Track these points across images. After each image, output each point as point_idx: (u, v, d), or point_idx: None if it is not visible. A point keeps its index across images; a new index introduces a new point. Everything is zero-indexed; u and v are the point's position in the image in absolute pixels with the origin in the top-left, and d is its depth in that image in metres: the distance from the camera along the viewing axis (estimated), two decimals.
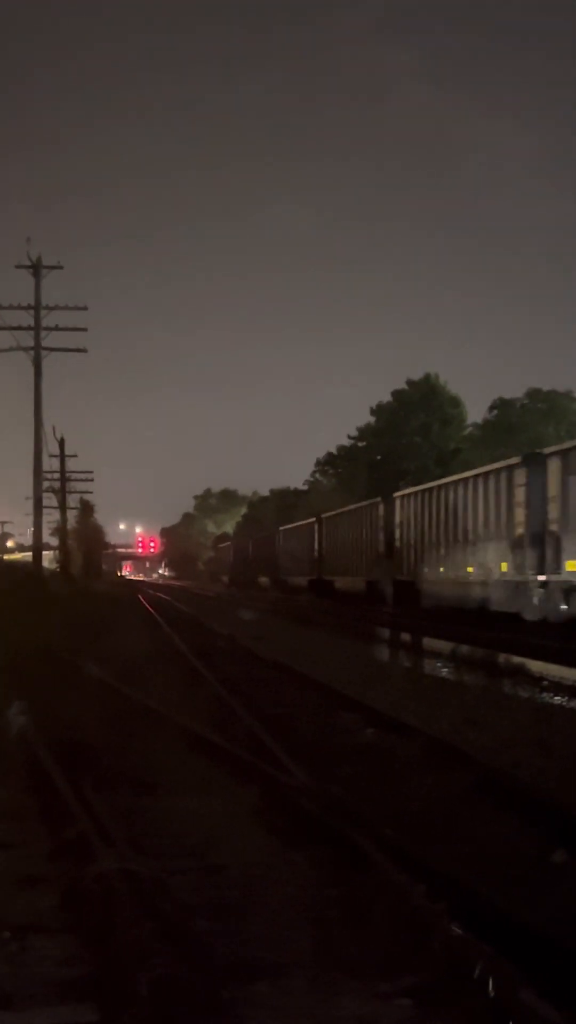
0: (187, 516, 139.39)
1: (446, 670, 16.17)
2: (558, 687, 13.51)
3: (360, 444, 72.02)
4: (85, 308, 36.62)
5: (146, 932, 4.10)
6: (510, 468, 25.04)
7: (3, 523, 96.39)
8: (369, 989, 3.85)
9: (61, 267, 36.01)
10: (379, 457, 67.37)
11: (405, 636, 23.31)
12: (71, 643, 17.77)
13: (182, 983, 3.66)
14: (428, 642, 20.76)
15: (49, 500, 54.68)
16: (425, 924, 4.22)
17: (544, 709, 11.31)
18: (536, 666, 15.15)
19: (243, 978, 3.92)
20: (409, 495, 34.72)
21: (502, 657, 16.24)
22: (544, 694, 13.09)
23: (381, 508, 37.20)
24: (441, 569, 29.94)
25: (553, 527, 21.90)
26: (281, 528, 61.94)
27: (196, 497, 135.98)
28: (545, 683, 14.00)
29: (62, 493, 57.76)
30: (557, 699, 12.59)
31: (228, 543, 69.83)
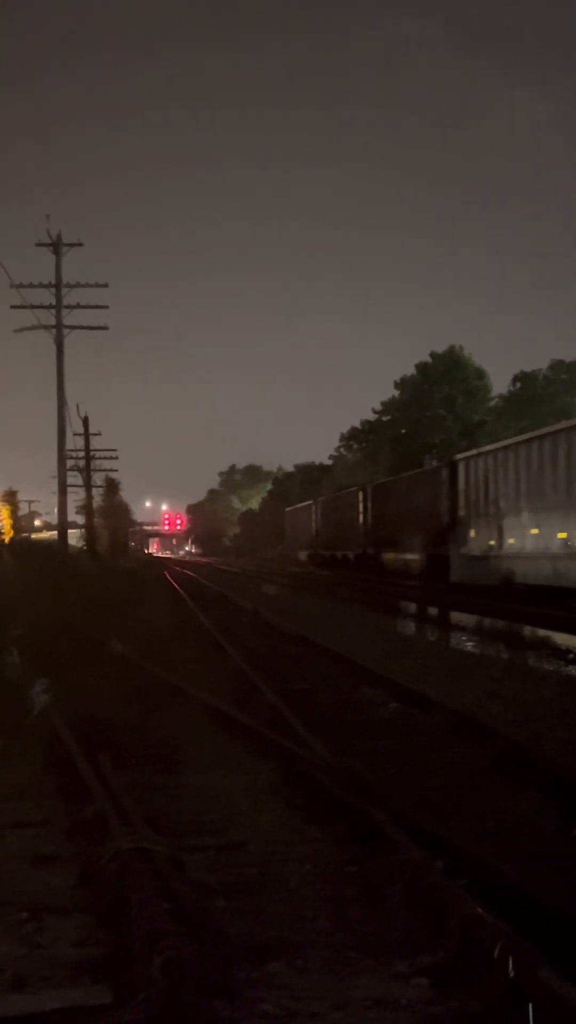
0: (212, 492, 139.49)
1: None
2: None
3: (385, 418, 71.76)
4: (106, 285, 36.55)
5: (161, 912, 4.05)
6: None
7: (30, 502, 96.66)
8: (385, 969, 3.79)
9: (81, 244, 35.91)
10: (404, 431, 67.11)
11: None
12: (96, 620, 17.78)
13: (196, 964, 3.61)
14: None
15: (75, 479, 54.83)
16: (443, 902, 4.15)
17: None
18: None
19: (258, 958, 3.87)
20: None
21: None
22: None
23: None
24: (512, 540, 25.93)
25: None
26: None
27: (221, 473, 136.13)
28: None
29: (87, 471, 57.79)
30: None
31: (309, 502, 56.07)
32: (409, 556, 35.18)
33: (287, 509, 65.51)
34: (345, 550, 45.05)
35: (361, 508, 42.57)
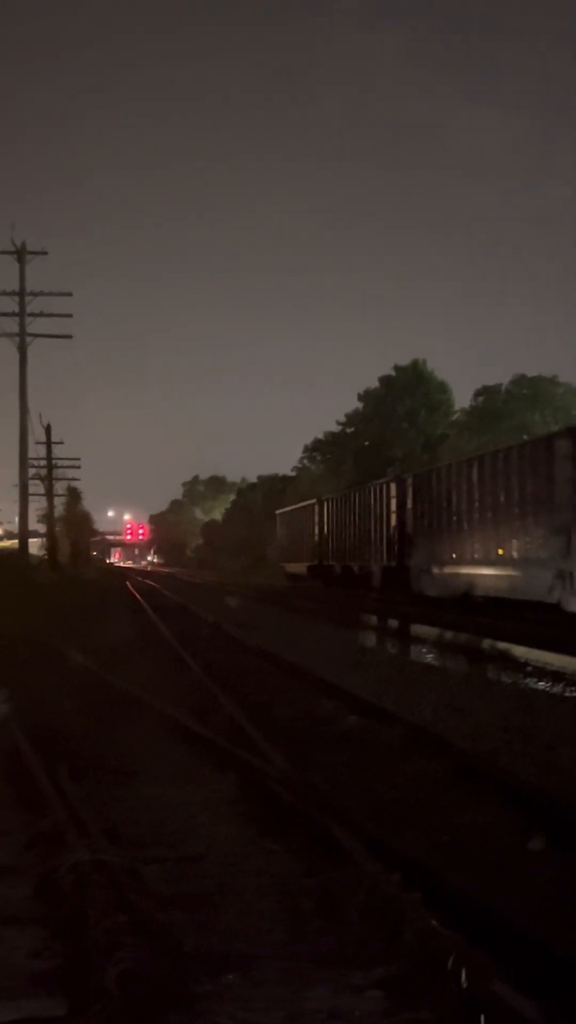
0: (175, 503, 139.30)
1: None
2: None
3: (348, 430, 72.00)
4: (70, 294, 36.65)
5: (118, 924, 4.05)
6: None
7: None
8: (341, 980, 3.81)
9: (46, 253, 35.94)
10: (367, 443, 67.34)
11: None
12: (56, 631, 17.72)
13: (152, 976, 3.62)
14: None
15: (36, 487, 54.62)
16: (399, 914, 4.18)
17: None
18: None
19: (214, 970, 3.88)
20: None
21: None
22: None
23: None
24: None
25: None
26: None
27: (184, 484, 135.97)
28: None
29: (48, 480, 57.62)
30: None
31: (311, 501, 46.22)
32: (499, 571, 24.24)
33: (280, 512, 56.79)
34: (364, 561, 36.02)
35: (394, 507, 32.52)
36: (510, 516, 23.26)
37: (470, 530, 26.00)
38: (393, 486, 33.29)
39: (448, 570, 27.70)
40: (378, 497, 34.65)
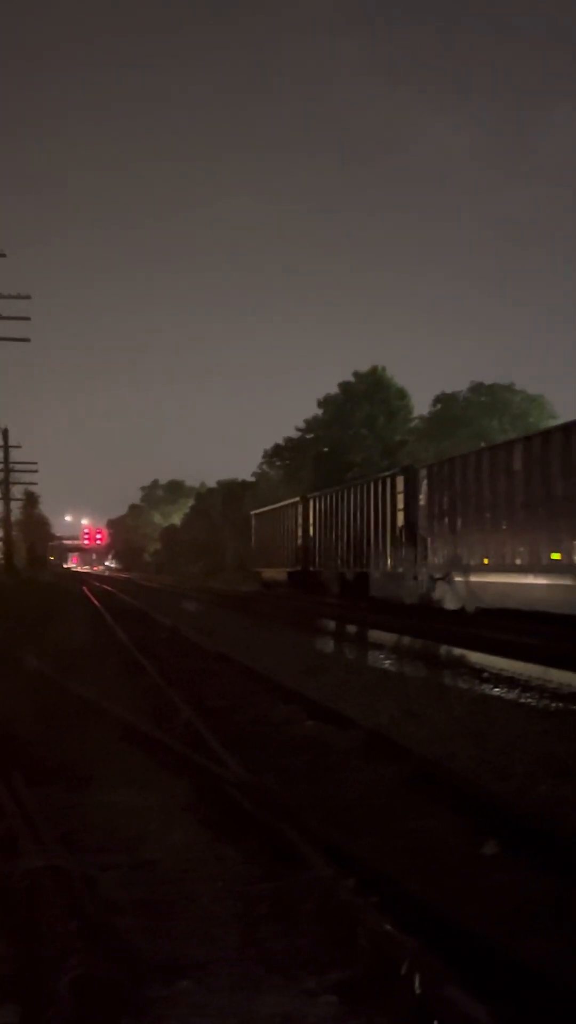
0: (134, 508, 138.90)
1: None
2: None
3: (308, 436, 72.11)
4: (28, 297, 36.55)
5: (72, 930, 4.04)
6: None
7: None
8: (295, 986, 3.82)
9: (4, 255, 35.71)
10: (326, 449, 67.48)
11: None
12: (11, 635, 17.60)
13: (105, 982, 3.61)
14: None
15: None
16: (354, 919, 4.19)
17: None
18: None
19: (168, 976, 3.87)
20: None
21: None
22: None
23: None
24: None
25: None
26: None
27: (143, 488, 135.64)
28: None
29: (5, 484, 57.32)
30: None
31: (294, 500, 41.72)
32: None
33: (255, 512, 51.52)
34: (361, 566, 32.26)
35: (401, 503, 28.41)
36: (570, 511, 19.12)
37: (510, 530, 21.71)
38: (400, 479, 28.73)
39: (477, 578, 23.35)
40: (380, 492, 30.23)
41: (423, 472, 27.55)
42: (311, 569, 38.54)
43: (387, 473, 31.25)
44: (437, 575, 25.83)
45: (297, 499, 41.66)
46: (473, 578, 23.61)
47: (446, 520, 25.43)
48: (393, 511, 29.05)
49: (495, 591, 22.36)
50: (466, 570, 24.02)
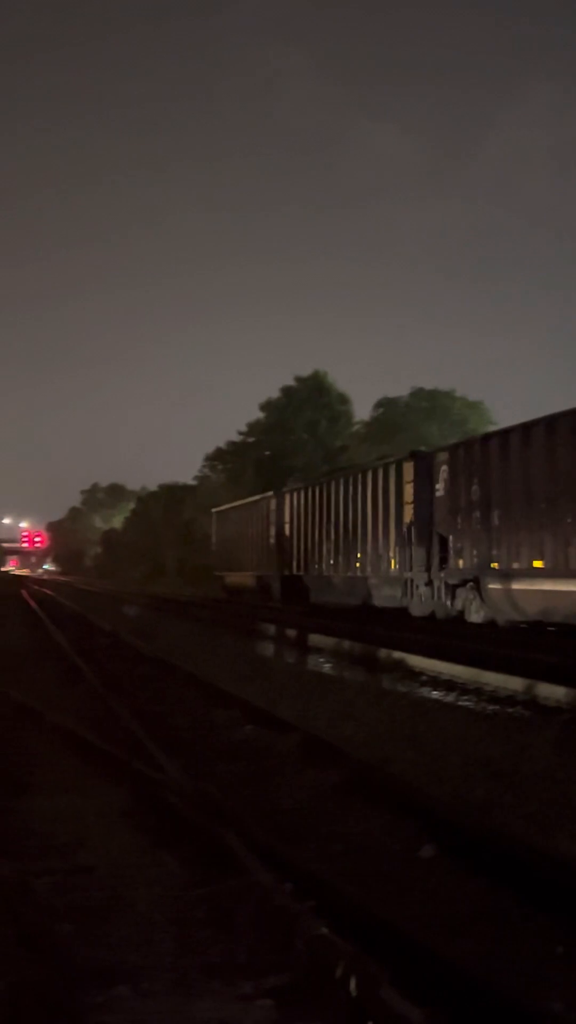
0: (74, 510, 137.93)
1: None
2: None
3: (249, 440, 72.08)
4: None
5: (6, 936, 4.02)
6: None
7: None
8: (231, 991, 3.82)
9: None
10: (267, 453, 67.52)
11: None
12: None
13: (39, 989, 3.59)
14: None
15: None
16: (290, 924, 4.21)
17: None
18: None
19: (103, 982, 3.85)
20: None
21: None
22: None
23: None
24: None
25: None
26: None
27: (83, 492, 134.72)
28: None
29: None
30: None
31: (268, 494, 37.95)
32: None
33: (217, 510, 46.93)
34: (353, 571, 28.47)
35: (410, 495, 24.45)
36: None
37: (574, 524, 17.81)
38: (408, 467, 24.47)
39: (522, 586, 19.38)
40: (380, 483, 26.17)
41: (442, 456, 23.09)
42: (287, 574, 34.06)
43: (390, 459, 26.61)
44: (454, 581, 22.27)
45: (270, 494, 37.17)
46: (516, 585, 19.56)
47: (476, 514, 21.19)
48: (399, 505, 24.97)
49: (549, 602, 18.47)
50: (506, 575, 19.85)
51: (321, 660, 17.15)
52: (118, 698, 10.99)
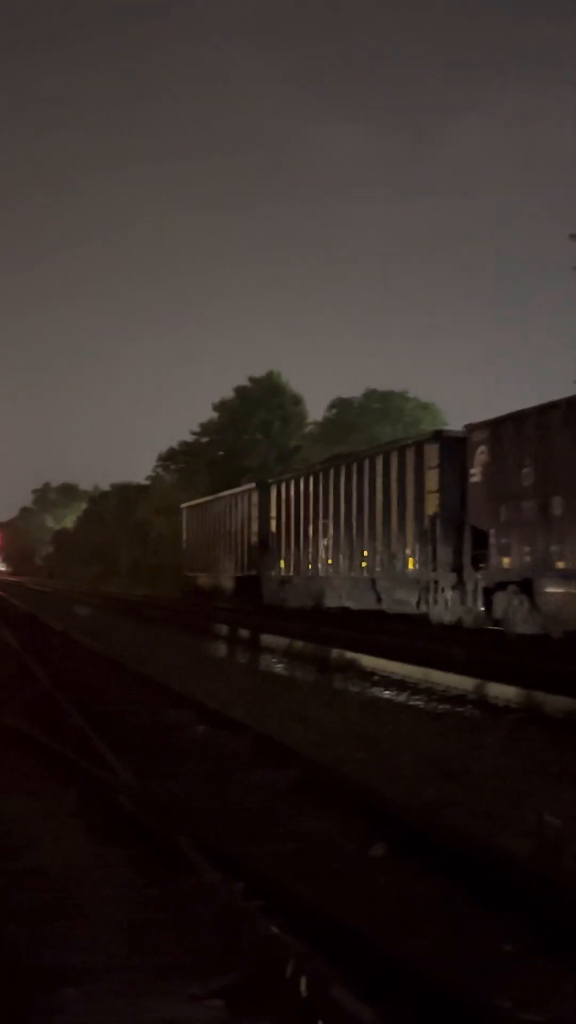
0: (25, 510, 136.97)
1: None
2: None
3: (203, 440, 71.96)
4: None
5: None
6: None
7: None
8: (180, 991, 3.80)
9: None
10: (221, 453, 67.43)
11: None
12: None
13: None
14: None
15: None
16: (241, 923, 4.20)
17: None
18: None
19: (51, 984, 3.82)
20: None
21: None
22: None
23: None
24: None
25: None
26: None
27: (34, 491, 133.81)
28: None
29: None
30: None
31: (248, 487, 34.72)
32: None
33: (188, 505, 43.57)
34: (362, 572, 24.80)
35: (435, 483, 21.18)
36: None
37: None
38: (432, 450, 21.17)
39: None
40: (395, 470, 22.79)
41: (480, 434, 19.59)
42: (272, 575, 30.63)
43: (406, 441, 23.18)
44: (493, 583, 18.90)
45: (252, 485, 33.84)
46: None
47: (529, 502, 17.98)
48: (419, 494, 21.65)
49: None
50: (569, 578, 16.99)
51: (272, 659, 17.14)
52: (69, 698, 10.92)
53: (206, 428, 71.76)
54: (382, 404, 60.81)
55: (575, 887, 4.88)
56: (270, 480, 32.40)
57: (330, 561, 26.56)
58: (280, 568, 29.95)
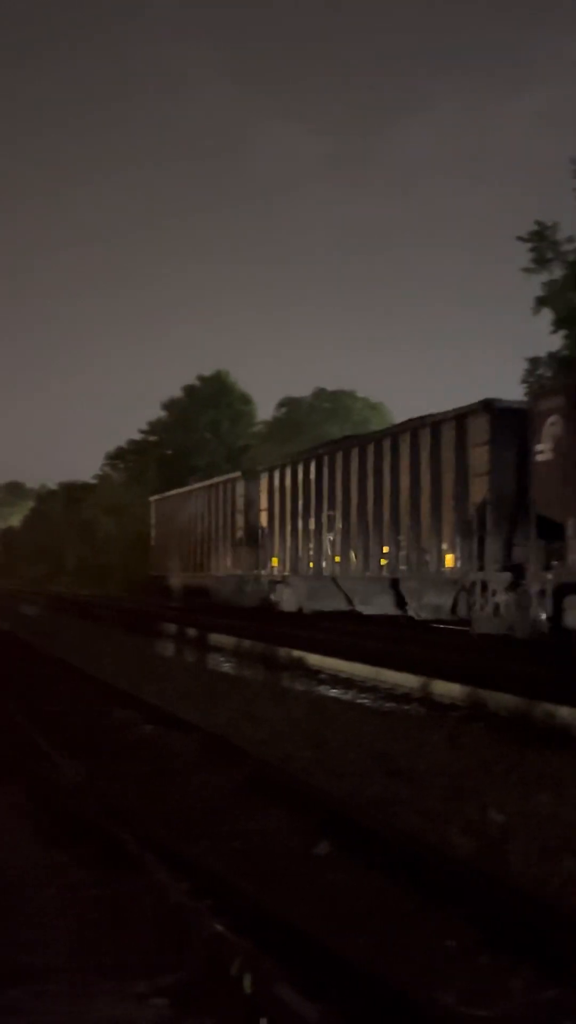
0: None
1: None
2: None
3: (151, 439, 71.75)
4: None
5: None
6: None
7: None
8: (126, 990, 3.80)
9: None
10: (169, 452, 67.28)
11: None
12: None
13: None
14: None
15: None
16: (187, 923, 4.21)
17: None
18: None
19: None
20: None
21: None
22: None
23: None
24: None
25: None
26: None
27: None
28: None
29: None
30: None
31: (234, 474, 31.56)
32: None
33: (156, 498, 40.34)
34: (382, 570, 21.35)
35: (486, 464, 17.65)
36: None
37: None
38: (481, 423, 17.66)
39: None
40: (431, 449, 19.04)
41: (549, 403, 15.97)
42: (263, 574, 27.17)
43: (444, 415, 18.95)
44: (560, 585, 15.39)
45: (237, 474, 30.34)
46: None
47: None
48: (460, 477, 18.19)
49: None
50: None
51: (220, 658, 17.13)
52: (13, 698, 10.86)
53: (155, 427, 71.56)
54: (331, 404, 61.06)
55: (518, 883, 4.94)
56: (260, 468, 28.47)
57: (337, 559, 22.88)
58: (272, 567, 26.38)
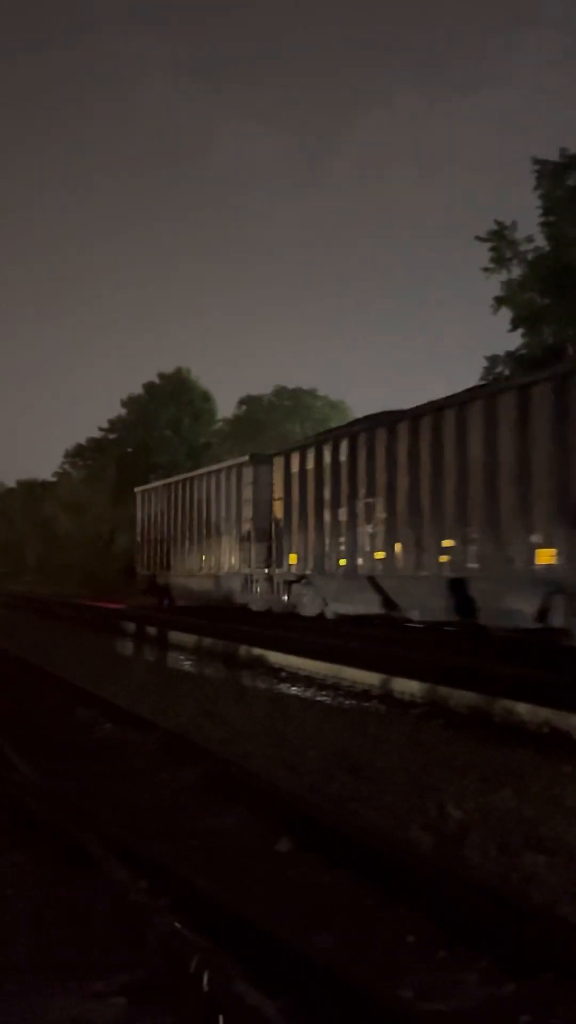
0: None
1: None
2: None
3: (111, 436, 71.49)
4: None
5: None
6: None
7: None
8: (84, 989, 3.79)
9: None
10: (130, 449, 67.06)
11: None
12: None
13: None
14: None
15: None
16: (145, 920, 4.20)
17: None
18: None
19: None
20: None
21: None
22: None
23: None
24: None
25: None
26: None
27: None
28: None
29: None
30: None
31: (240, 460, 26.17)
32: None
33: (142, 489, 35.81)
34: (440, 569, 17.13)
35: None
36: None
37: None
38: None
39: None
40: (517, 417, 14.95)
41: None
42: (276, 572, 23.39)
43: (534, 376, 15.41)
44: None
45: (244, 459, 26.11)
46: None
47: None
48: (555, 455, 14.26)
49: None
50: None
51: (180, 656, 17.08)
52: None
53: (115, 424, 71.30)
54: (292, 402, 61.17)
55: (476, 878, 4.97)
56: (272, 452, 24.66)
57: (379, 555, 18.94)
58: (289, 564, 22.59)
